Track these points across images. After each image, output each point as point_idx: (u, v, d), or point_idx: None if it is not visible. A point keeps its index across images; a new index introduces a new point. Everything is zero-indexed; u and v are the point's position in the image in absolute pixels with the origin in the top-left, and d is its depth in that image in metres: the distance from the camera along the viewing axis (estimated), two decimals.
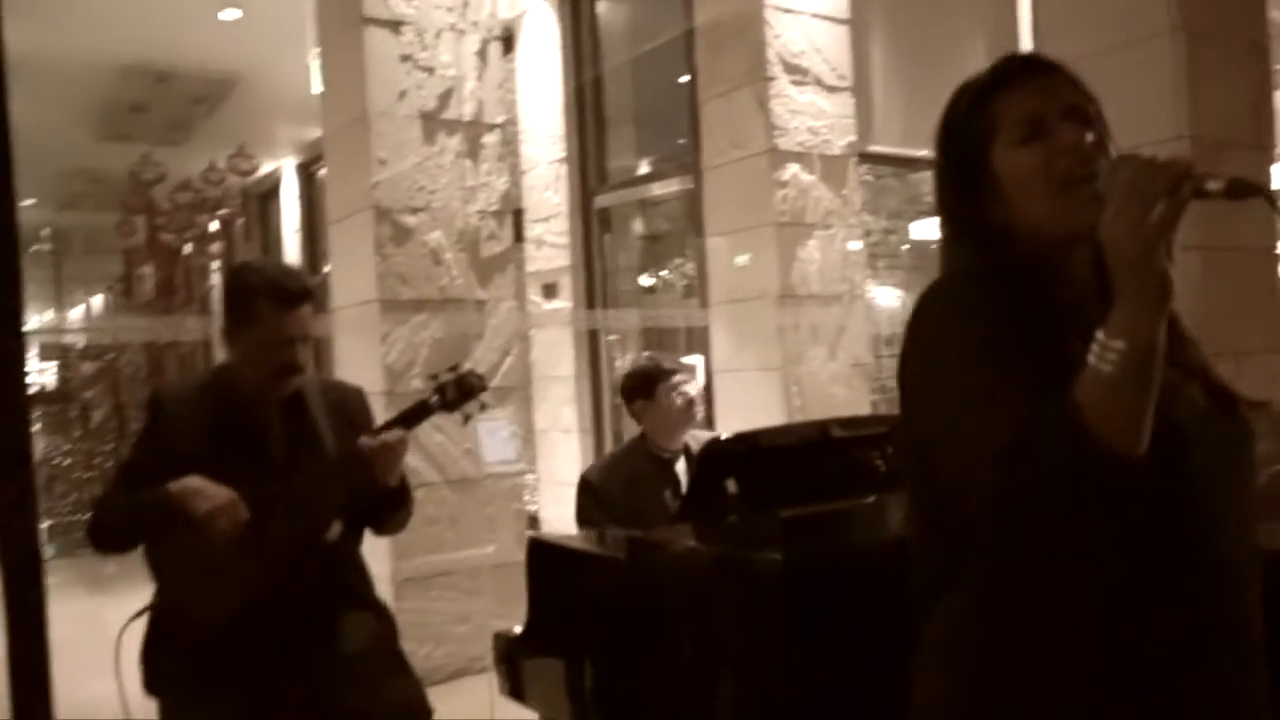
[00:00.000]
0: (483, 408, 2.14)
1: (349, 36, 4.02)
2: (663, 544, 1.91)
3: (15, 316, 1.73)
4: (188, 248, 7.88)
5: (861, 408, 5.11)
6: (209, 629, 1.87)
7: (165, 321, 7.47)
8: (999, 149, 1.15)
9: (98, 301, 14.39)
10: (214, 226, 8.18)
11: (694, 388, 2.92)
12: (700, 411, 2.98)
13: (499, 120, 4.32)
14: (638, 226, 6.85)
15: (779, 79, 4.68)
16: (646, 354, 3.19)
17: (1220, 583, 1.07)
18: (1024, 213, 1.12)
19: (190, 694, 1.86)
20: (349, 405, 2.15)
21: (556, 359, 6.61)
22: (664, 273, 6.82)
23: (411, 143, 4.06)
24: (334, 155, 4.38)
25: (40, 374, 15.47)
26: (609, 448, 6.42)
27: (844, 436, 2.29)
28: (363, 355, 4.09)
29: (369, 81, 3.99)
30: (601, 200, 6.39)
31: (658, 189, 6.05)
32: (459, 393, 2.10)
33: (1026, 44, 5.05)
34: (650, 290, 6.83)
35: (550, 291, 6.71)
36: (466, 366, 2.20)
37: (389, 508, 2.10)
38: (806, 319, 5.00)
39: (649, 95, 6.52)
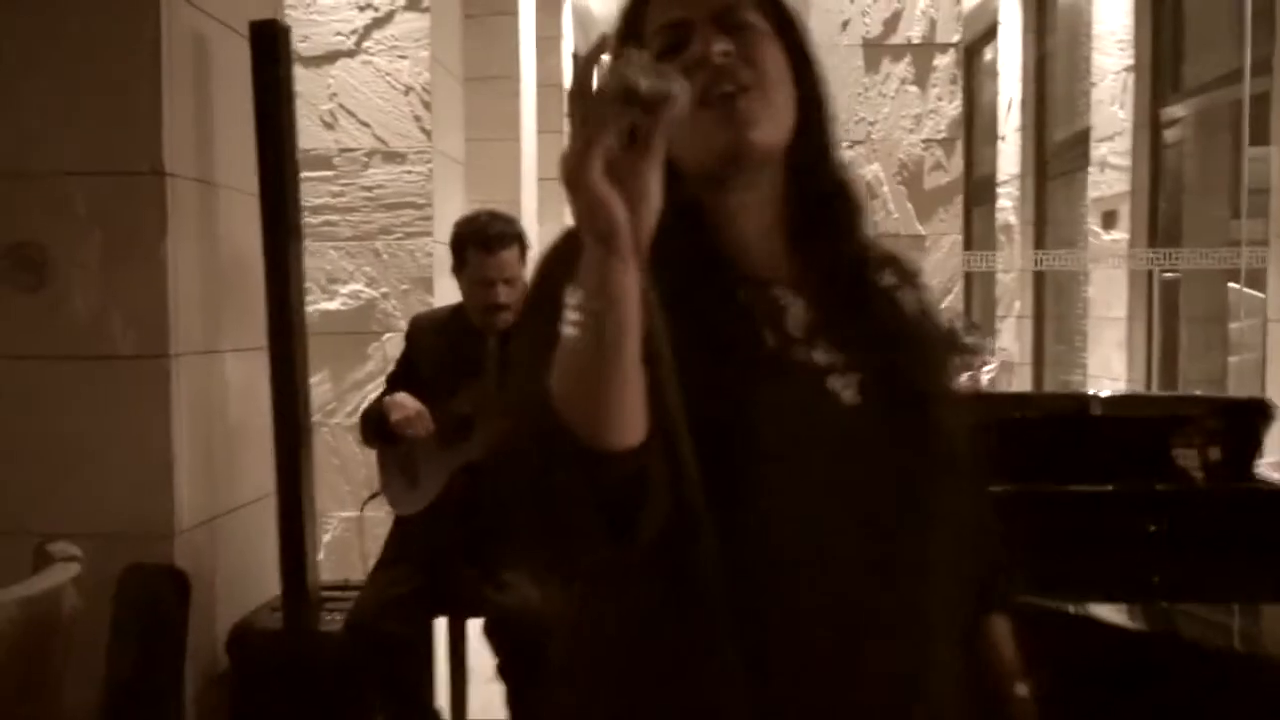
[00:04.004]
0: None
1: None
2: None
3: (285, 213, 2.23)
4: None
5: None
6: (408, 518, 2.26)
7: None
8: None
9: None
10: None
11: (987, 374, 2.50)
12: None
13: (953, 39, 3.98)
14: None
15: None
16: (949, 315, 2.75)
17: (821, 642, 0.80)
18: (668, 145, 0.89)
19: (394, 561, 2.28)
20: None
21: (1112, 297, 5.85)
22: None
23: (853, 73, 3.96)
24: None
25: None
26: None
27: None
28: None
29: (813, 15, 3.97)
30: (1172, 111, 5.42)
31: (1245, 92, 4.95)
32: None
33: None
34: None
35: (1110, 220, 5.92)
36: None
37: None
38: None
39: None
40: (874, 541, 0.83)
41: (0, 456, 2.09)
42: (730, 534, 0.78)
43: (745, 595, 0.78)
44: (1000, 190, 7.63)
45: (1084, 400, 1.99)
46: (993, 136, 7.91)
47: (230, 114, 2.36)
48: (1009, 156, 7.51)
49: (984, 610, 1.02)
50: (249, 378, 2.49)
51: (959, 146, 3.98)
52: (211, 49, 2.30)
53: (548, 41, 7.12)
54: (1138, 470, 1.79)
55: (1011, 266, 7.41)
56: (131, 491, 2.13)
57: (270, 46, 2.18)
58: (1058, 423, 1.86)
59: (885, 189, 3.96)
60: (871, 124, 3.95)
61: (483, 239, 2.24)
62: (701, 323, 0.82)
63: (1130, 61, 5.56)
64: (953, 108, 3.97)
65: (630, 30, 0.93)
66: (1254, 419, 1.77)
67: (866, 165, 3.96)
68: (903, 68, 3.94)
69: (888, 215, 3.96)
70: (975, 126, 8.80)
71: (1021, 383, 7.42)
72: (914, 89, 3.95)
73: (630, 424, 0.72)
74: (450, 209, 4.55)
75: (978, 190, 8.68)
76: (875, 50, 3.94)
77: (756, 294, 0.87)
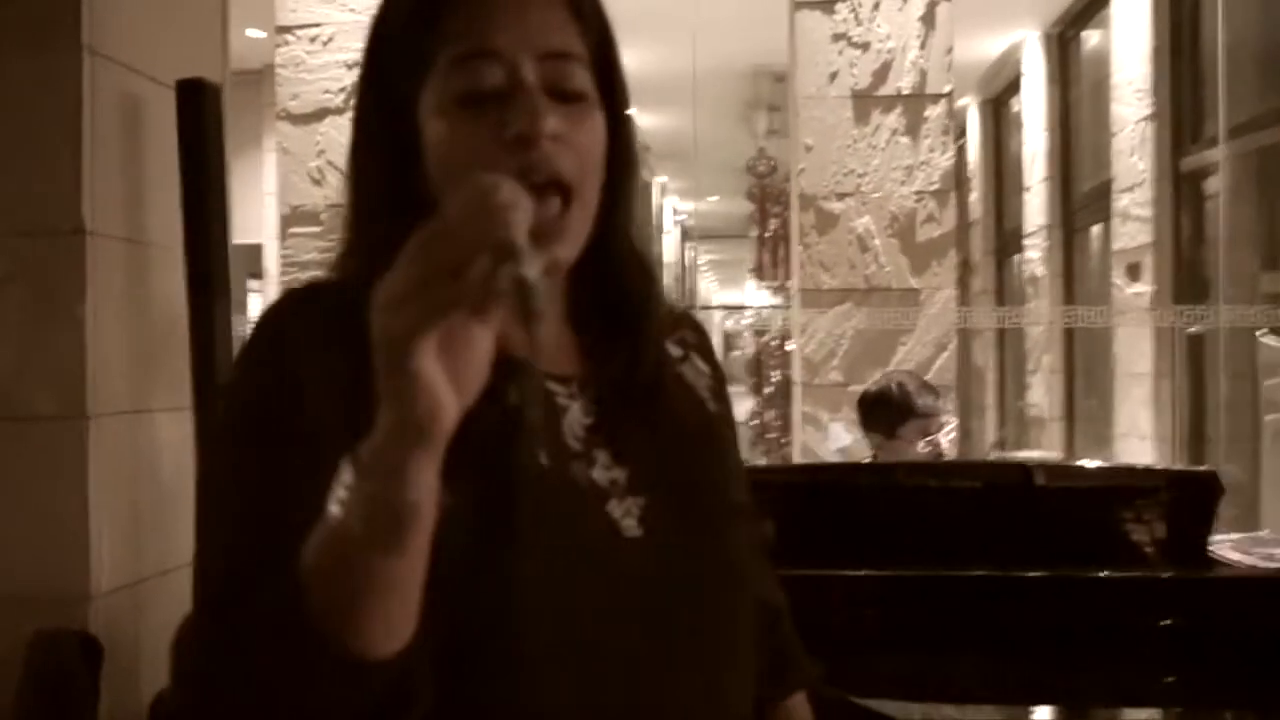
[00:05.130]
0: None
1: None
2: None
3: (210, 271, 2.19)
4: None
5: None
6: None
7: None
8: (428, 94, 0.73)
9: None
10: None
11: (947, 436, 2.35)
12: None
13: (945, 90, 3.88)
14: None
15: None
16: (900, 376, 2.55)
17: None
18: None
19: None
20: None
21: (1137, 353, 5.65)
22: None
23: (841, 125, 3.88)
24: (790, 141, 4.38)
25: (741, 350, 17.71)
26: (1193, 460, 5.30)
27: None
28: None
29: (799, 66, 3.92)
30: (1190, 162, 5.26)
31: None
32: None
33: None
34: None
35: (1134, 273, 5.74)
36: None
37: None
38: None
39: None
40: (649, 692, 0.71)
41: None
42: (488, 695, 0.66)
43: None
44: (1027, 242, 7.48)
45: (1017, 471, 1.87)
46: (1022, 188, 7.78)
47: (166, 173, 2.35)
48: (1035, 208, 7.35)
49: (779, 695, 0.94)
50: (183, 438, 2.45)
51: (953, 199, 3.87)
52: (145, 108, 2.30)
53: None
54: (1071, 552, 1.66)
55: (1040, 320, 7.22)
56: (45, 553, 2.09)
57: (196, 105, 2.17)
58: (981, 497, 1.74)
59: (876, 242, 3.85)
60: (861, 176, 3.86)
61: None
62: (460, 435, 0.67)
63: (1149, 111, 5.42)
64: (945, 159, 3.86)
65: (416, 39, 0.72)
66: (1201, 494, 1.63)
67: (857, 218, 3.87)
68: (893, 119, 3.86)
69: (879, 269, 3.85)
70: (1005, 178, 8.67)
71: (1051, 440, 7.20)
72: (905, 140, 3.86)
73: (403, 627, 0.58)
74: None
75: (1010, 242, 8.52)
76: (864, 101, 3.86)
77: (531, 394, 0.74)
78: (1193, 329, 5.17)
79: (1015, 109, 8.24)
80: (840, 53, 3.86)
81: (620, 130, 0.77)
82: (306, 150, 3.97)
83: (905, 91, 3.84)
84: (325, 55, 3.93)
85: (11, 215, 2.10)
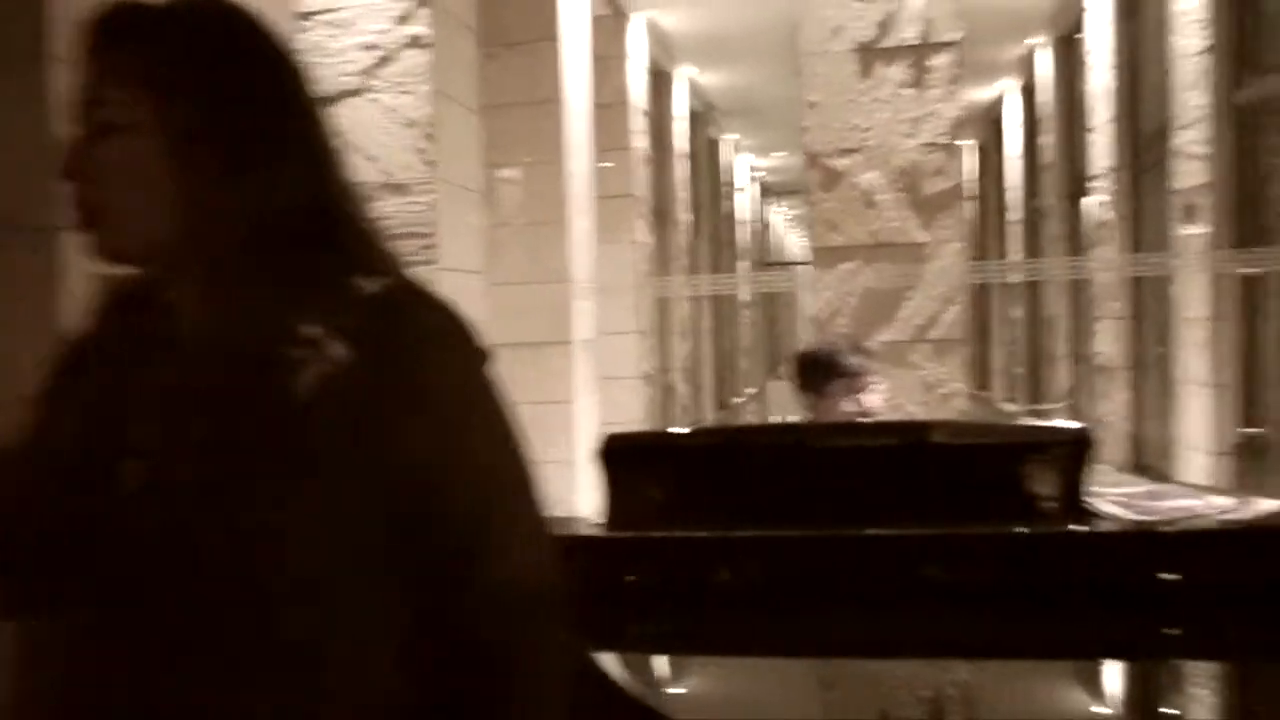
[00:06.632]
0: None
1: None
2: None
3: None
4: None
5: None
6: None
7: None
8: None
9: None
10: None
11: (877, 397, 2.35)
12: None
13: (953, 37, 3.80)
14: None
15: None
16: (831, 338, 2.54)
17: None
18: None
19: None
20: None
21: (1193, 296, 5.43)
22: None
23: (845, 80, 3.84)
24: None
25: None
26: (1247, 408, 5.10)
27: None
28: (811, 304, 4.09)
29: (803, 23, 3.89)
30: (1246, 95, 4.99)
31: None
32: None
33: None
34: None
35: (1190, 214, 5.50)
36: None
37: None
38: None
39: None
40: (123, 643, 0.81)
41: None
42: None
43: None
44: (1092, 185, 7.21)
45: (883, 430, 1.88)
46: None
47: None
48: (1101, 149, 7.08)
49: None
50: None
51: (961, 150, 3.80)
52: None
53: (611, 61, 7.18)
54: (956, 509, 1.68)
55: (1110, 266, 6.98)
56: None
57: None
58: (840, 456, 1.77)
59: (883, 197, 3.82)
60: (866, 130, 3.83)
61: None
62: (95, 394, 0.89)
63: (1207, 43, 5.17)
64: (952, 109, 3.79)
65: None
66: (1073, 450, 1.63)
67: (862, 174, 3.84)
68: (898, 71, 3.80)
69: (885, 224, 3.82)
70: (1075, 120, 8.34)
71: (1120, 388, 6.98)
72: (910, 92, 3.80)
73: None
74: (461, 235, 4.67)
75: (1082, 185, 8.20)
76: (868, 54, 3.81)
77: (158, 370, 0.87)
78: (1244, 270, 4.94)
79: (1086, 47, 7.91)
80: (843, 6, 3.82)
81: (195, 137, 0.84)
82: None
83: (910, 42, 3.78)
84: (345, 39, 4.06)
85: None
